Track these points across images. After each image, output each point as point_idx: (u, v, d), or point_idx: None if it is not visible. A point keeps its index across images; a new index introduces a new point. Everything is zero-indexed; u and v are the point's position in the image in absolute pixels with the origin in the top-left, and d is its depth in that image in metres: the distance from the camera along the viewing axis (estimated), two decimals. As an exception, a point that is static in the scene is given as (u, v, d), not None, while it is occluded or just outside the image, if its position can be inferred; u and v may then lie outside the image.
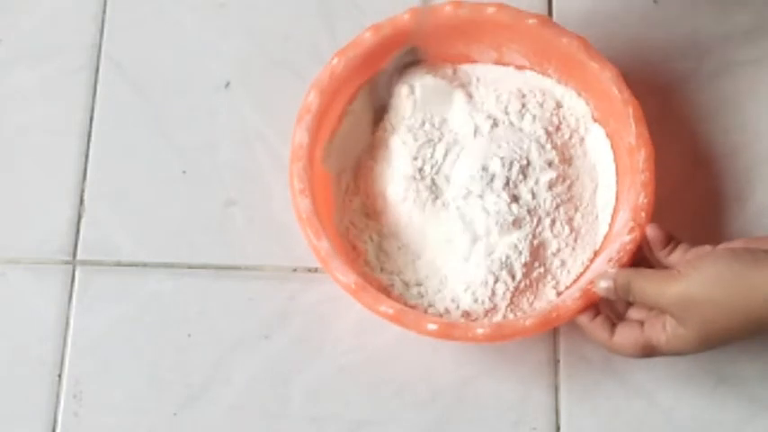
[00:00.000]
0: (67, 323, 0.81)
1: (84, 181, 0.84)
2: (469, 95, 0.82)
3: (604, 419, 0.79)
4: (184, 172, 0.84)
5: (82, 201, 0.83)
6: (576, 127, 0.82)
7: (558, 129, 0.81)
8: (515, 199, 0.78)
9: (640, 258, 0.75)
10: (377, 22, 0.80)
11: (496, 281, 0.77)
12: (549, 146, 0.80)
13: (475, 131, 0.81)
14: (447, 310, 0.77)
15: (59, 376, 0.80)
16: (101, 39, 0.87)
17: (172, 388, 0.79)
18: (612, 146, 0.80)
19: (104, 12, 0.88)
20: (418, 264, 0.79)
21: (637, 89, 0.78)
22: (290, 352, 0.80)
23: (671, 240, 0.74)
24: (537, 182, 0.79)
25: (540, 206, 0.79)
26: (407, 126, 0.81)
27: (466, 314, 0.77)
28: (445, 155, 0.80)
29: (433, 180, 0.80)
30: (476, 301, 0.77)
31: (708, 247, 0.72)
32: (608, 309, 0.74)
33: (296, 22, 0.88)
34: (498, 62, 0.83)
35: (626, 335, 0.72)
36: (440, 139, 0.81)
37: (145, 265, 0.82)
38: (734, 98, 0.85)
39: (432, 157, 0.80)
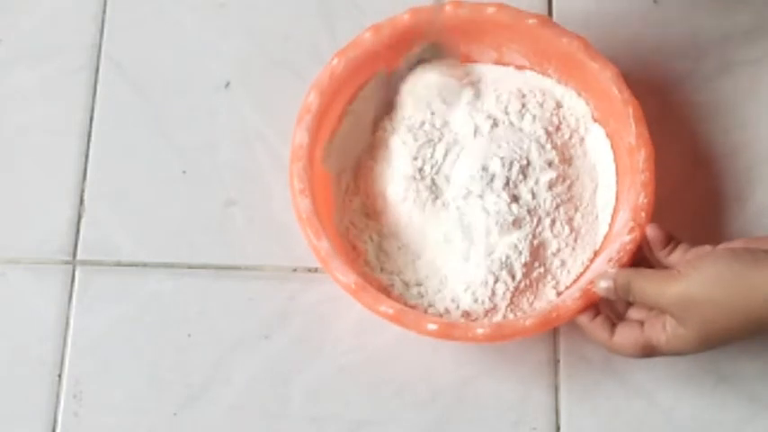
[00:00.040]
0: (67, 323, 0.81)
1: (84, 181, 0.84)
2: (477, 94, 0.82)
3: (604, 419, 0.79)
4: (184, 172, 0.84)
5: (82, 201, 0.83)
6: (575, 127, 0.82)
7: (557, 129, 0.81)
8: (515, 199, 0.78)
9: (640, 258, 0.74)
10: (377, 22, 0.80)
11: (496, 281, 0.77)
12: (549, 146, 0.80)
13: (475, 131, 0.81)
14: (447, 310, 0.77)
15: (59, 376, 0.80)
16: (101, 39, 0.87)
17: (172, 388, 0.79)
18: (612, 146, 0.80)
19: (104, 12, 0.88)
20: (418, 264, 0.79)
21: (637, 89, 0.78)
22: (290, 352, 0.80)
23: (671, 240, 0.74)
24: (537, 182, 0.79)
25: (540, 206, 0.79)
26: (407, 126, 0.81)
27: (466, 314, 0.77)
28: (445, 155, 0.80)
29: (433, 180, 0.80)
30: (476, 301, 0.77)
31: (708, 247, 0.72)
32: (608, 309, 0.74)
33: (296, 22, 0.88)
34: (498, 62, 0.83)
35: (626, 335, 0.72)
36: (440, 139, 0.81)
37: (145, 265, 0.82)
38: (734, 98, 0.85)
39: (432, 157, 0.80)
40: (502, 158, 0.79)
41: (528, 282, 0.77)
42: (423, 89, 0.82)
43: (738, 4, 0.87)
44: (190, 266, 0.82)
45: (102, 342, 0.80)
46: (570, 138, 0.82)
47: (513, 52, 0.82)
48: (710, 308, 0.68)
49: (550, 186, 0.79)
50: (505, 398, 0.79)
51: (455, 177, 0.80)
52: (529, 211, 0.78)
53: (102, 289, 0.81)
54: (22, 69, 0.87)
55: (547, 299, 0.77)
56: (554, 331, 0.80)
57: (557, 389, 0.79)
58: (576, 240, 0.79)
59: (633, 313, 0.74)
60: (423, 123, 0.81)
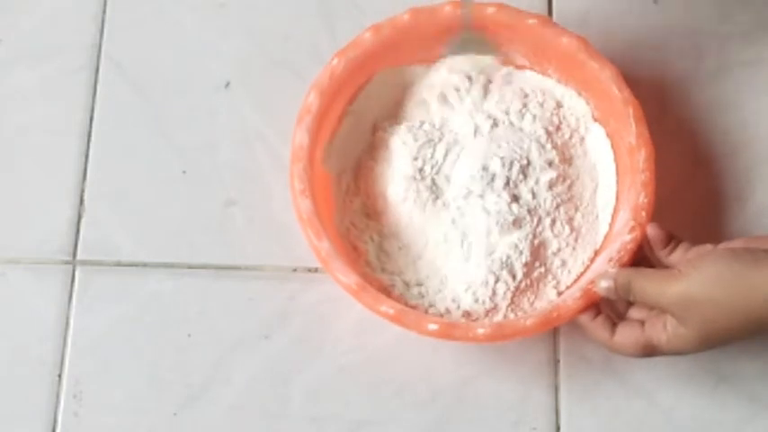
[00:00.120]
0: (67, 323, 0.80)
1: (84, 181, 0.84)
2: (485, 94, 0.82)
3: (604, 419, 0.79)
4: (184, 172, 0.84)
5: (82, 201, 0.83)
6: (576, 127, 0.82)
7: (558, 128, 0.81)
8: (516, 199, 0.78)
9: (641, 258, 0.75)
10: (377, 22, 0.80)
11: (497, 281, 0.77)
12: (549, 146, 0.80)
13: (475, 131, 0.81)
14: (448, 310, 0.77)
15: (59, 376, 0.79)
16: (101, 39, 0.87)
17: (172, 388, 0.79)
18: (613, 145, 0.80)
19: (104, 12, 0.88)
20: (419, 264, 0.79)
21: (637, 89, 0.78)
22: (290, 352, 0.80)
23: (671, 240, 0.74)
24: (537, 182, 0.79)
25: (540, 206, 0.79)
26: (407, 126, 0.81)
27: (466, 314, 0.77)
28: (445, 155, 0.80)
29: (433, 180, 0.80)
30: (476, 300, 0.77)
31: (709, 247, 0.72)
32: (609, 308, 0.74)
33: (296, 22, 0.88)
34: (498, 62, 0.83)
35: (627, 334, 0.72)
36: (440, 139, 0.81)
37: (145, 265, 0.82)
38: (734, 98, 0.85)
39: (432, 157, 0.80)
40: (502, 158, 0.79)
41: (528, 281, 0.77)
42: (426, 88, 0.82)
43: (738, 4, 0.87)
44: (190, 266, 0.82)
45: (102, 342, 0.80)
46: (570, 137, 0.82)
47: (513, 52, 0.82)
48: (711, 307, 0.68)
49: (551, 186, 0.79)
50: (505, 398, 0.79)
51: (455, 177, 0.80)
52: (529, 211, 0.78)
53: (102, 289, 0.81)
54: (22, 69, 0.87)
55: (547, 298, 0.77)
56: (554, 331, 0.80)
57: (557, 389, 0.79)
58: (576, 240, 0.79)
59: (634, 313, 0.74)
60: (423, 123, 0.81)
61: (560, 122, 0.82)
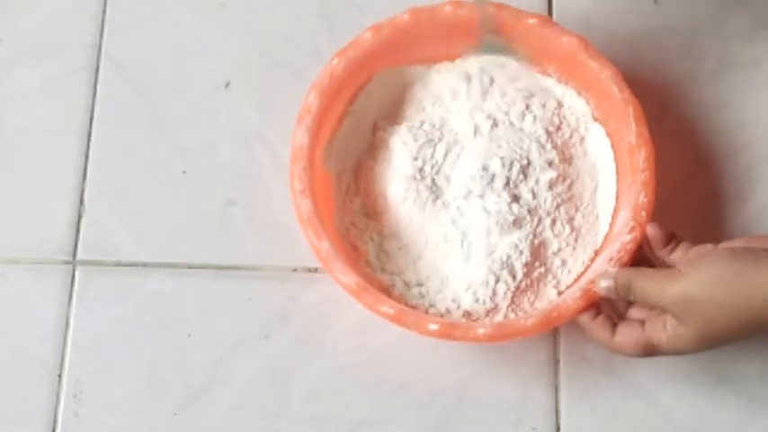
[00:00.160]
0: (67, 323, 0.80)
1: (84, 181, 0.84)
2: (484, 94, 0.83)
3: (604, 419, 0.79)
4: (184, 172, 0.84)
5: (82, 201, 0.83)
6: (576, 126, 0.82)
7: (558, 128, 0.81)
8: (516, 199, 0.78)
9: (641, 258, 0.75)
10: (377, 22, 0.80)
11: (497, 281, 0.77)
12: (549, 145, 0.80)
13: (475, 131, 0.81)
14: (448, 311, 0.77)
15: (59, 376, 0.79)
16: (101, 39, 0.87)
17: (172, 388, 0.79)
18: (613, 145, 0.80)
19: (104, 12, 0.88)
20: (419, 264, 0.79)
21: (637, 89, 0.78)
22: (290, 352, 0.80)
23: (672, 239, 0.74)
24: (537, 181, 0.79)
25: (540, 206, 0.79)
26: (407, 126, 0.81)
27: (467, 314, 0.77)
28: (445, 155, 0.80)
29: (433, 180, 0.80)
30: (477, 300, 0.77)
31: (709, 246, 0.72)
32: (609, 308, 0.74)
33: (296, 22, 0.88)
34: (498, 62, 0.84)
35: (627, 334, 0.72)
36: (440, 139, 0.81)
37: (145, 265, 0.82)
38: (734, 98, 0.85)
39: (432, 157, 0.80)
40: (502, 158, 0.79)
41: (529, 281, 0.77)
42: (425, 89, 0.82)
43: (738, 4, 0.87)
44: (190, 266, 0.82)
45: (102, 342, 0.80)
46: (570, 137, 0.82)
47: (513, 51, 0.82)
48: (711, 307, 0.68)
49: (551, 186, 0.79)
50: (505, 398, 0.79)
51: (455, 177, 0.80)
52: (529, 211, 0.78)
53: (102, 289, 0.81)
54: (22, 69, 0.87)
55: (548, 298, 0.77)
56: (554, 331, 0.80)
57: (557, 389, 0.79)
58: (576, 240, 0.79)
59: (634, 312, 0.74)
60: (422, 123, 0.81)
61: (560, 122, 0.82)
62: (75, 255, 0.82)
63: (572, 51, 0.79)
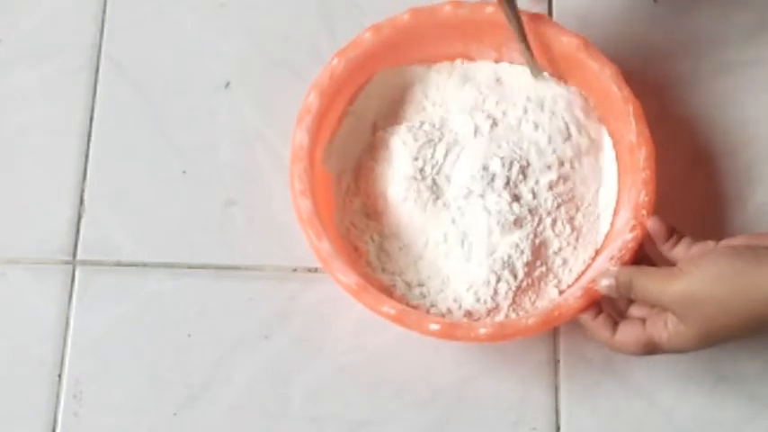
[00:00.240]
0: (67, 323, 0.80)
1: (84, 181, 0.84)
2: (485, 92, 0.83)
3: (604, 419, 0.79)
4: (184, 172, 0.84)
5: (82, 201, 0.83)
6: (576, 126, 0.82)
7: (558, 128, 0.81)
8: (516, 198, 0.78)
9: (642, 256, 0.75)
10: (377, 22, 0.80)
11: (498, 280, 0.77)
12: (549, 145, 0.80)
13: (475, 131, 0.81)
14: (449, 310, 0.77)
15: (59, 376, 0.79)
16: (101, 39, 0.87)
17: (172, 388, 0.79)
18: (613, 144, 0.81)
19: (104, 12, 0.88)
20: (420, 264, 0.79)
21: (637, 88, 0.78)
22: (290, 352, 0.80)
23: (673, 233, 0.74)
24: (537, 181, 0.79)
25: (540, 205, 0.79)
26: (408, 126, 0.81)
27: (468, 314, 0.77)
28: (446, 155, 0.80)
29: (433, 180, 0.80)
30: (478, 300, 0.77)
31: (711, 243, 0.72)
32: (610, 307, 0.74)
33: (296, 22, 0.88)
34: (498, 61, 0.84)
35: (628, 333, 0.72)
36: (440, 139, 0.81)
37: (145, 265, 0.82)
38: (734, 98, 0.85)
39: (432, 157, 0.80)
40: (502, 158, 0.79)
41: (530, 281, 0.77)
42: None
43: (738, 4, 0.87)
44: (190, 266, 0.82)
45: (102, 342, 0.80)
46: (571, 137, 0.81)
47: (512, 52, 0.82)
48: (712, 305, 0.68)
49: (551, 186, 0.79)
50: (505, 398, 0.79)
51: (456, 177, 0.80)
52: (530, 211, 0.78)
53: (102, 289, 0.81)
54: (22, 69, 0.87)
55: (549, 297, 0.77)
56: (554, 331, 0.80)
57: (557, 389, 0.79)
58: (577, 239, 0.79)
59: (635, 311, 0.74)
60: (423, 123, 0.81)
61: (560, 122, 0.81)
62: (75, 255, 0.82)
63: (572, 51, 0.79)
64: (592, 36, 0.80)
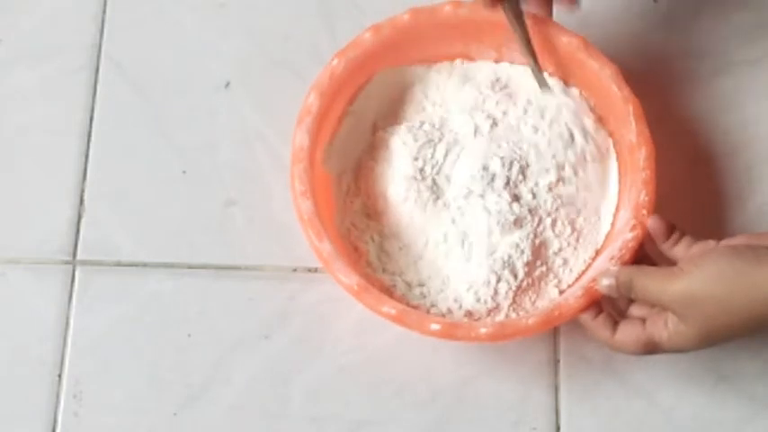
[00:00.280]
0: (67, 323, 0.80)
1: (84, 181, 0.84)
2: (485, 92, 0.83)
3: (604, 419, 0.79)
4: (184, 172, 0.84)
5: (82, 201, 0.83)
6: (576, 125, 0.82)
7: (558, 128, 0.81)
8: (516, 198, 0.78)
9: (642, 256, 0.75)
10: (377, 23, 0.80)
11: (499, 280, 0.77)
12: (549, 146, 0.80)
13: (475, 131, 0.81)
14: (450, 310, 0.77)
15: (59, 376, 0.79)
16: (101, 39, 0.87)
17: (172, 388, 0.79)
18: (613, 144, 0.81)
19: (104, 12, 0.88)
20: (420, 264, 0.79)
21: (637, 88, 0.78)
22: (290, 352, 0.80)
23: (673, 231, 0.74)
24: (537, 182, 0.79)
25: (540, 205, 0.79)
26: (408, 126, 0.81)
27: (468, 314, 0.77)
28: (446, 155, 0.80)
29: (433, 180, 0.80)
30: (478, 300, 0.77)
31: (712, 243, 0.72)
32: (610, 306, 0.74)
33: (296, 22, 0.88)
34: (498, 62, 0.84)
35: (628, 332, 0.72)
36: (440, 140, 0.81)
37: (145, 265, 0.82)
38: (734, 98, 0.85)
39: (432, 157, 0.80)
40: (502, 158, 0.79)
41: (530, 281, 0.77)
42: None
43: (738, 4, 0.87)
44: (190, 266, 0.82)
45: (102, 342, 0.80)
46: (571, 137, 0.81)
47: (512, 52, 0.82)
48: (712, 305, 0.68)
49: (551, 186, 0.79)
50: (505, 398, 0.79)
51: (456, 177, 0.80)
52: (530, 211, 0.78)
53: (102, 289, 0.81)
54: (22, 69, 0.87)
55: (549, 297, 0.77)
56: (554, 331, 0.80)
57: (557, 389, 0.79)
58: (577, 239, 0.79)
59: (635, 310, 0.74)
60: (423, 123, 0.81)
61: (560, 122, 0.81)
62: (75, 255, 0.82)
63: (572, 50, 0.79)
64: (592, 36, 0.80)
